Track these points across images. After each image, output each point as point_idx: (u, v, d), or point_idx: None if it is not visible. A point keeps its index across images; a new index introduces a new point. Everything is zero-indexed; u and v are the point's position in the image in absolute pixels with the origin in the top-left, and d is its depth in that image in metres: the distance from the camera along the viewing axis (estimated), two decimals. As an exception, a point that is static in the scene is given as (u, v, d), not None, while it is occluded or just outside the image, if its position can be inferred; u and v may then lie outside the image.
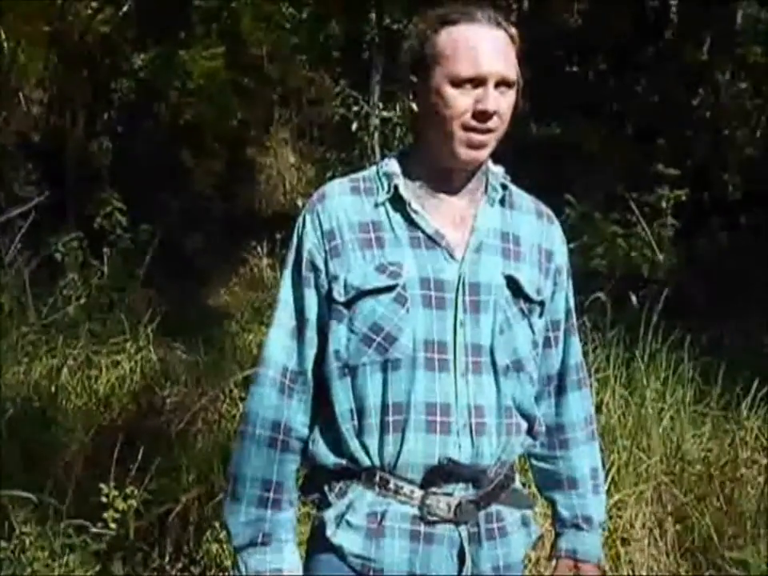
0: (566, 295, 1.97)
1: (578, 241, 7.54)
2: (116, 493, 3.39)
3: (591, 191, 8.58)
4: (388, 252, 1.78)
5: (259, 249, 8.38)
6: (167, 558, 3.48)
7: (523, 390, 1.84)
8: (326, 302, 1.80)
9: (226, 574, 3.43)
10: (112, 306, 6.23)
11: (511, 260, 1.84)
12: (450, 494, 1.77)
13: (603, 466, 3.74)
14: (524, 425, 1.85)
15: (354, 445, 1.77)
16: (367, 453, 1.76)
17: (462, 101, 1.73)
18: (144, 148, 9.05)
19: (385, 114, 7.82)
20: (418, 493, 1.76)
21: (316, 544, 1.84)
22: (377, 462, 1.76)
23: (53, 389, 4.83)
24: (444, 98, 1.74)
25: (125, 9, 8.66)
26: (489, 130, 1.75)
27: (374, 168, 1.89)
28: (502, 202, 1.88)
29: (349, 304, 1.77)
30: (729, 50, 11.39)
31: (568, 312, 1.99)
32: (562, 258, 1.95)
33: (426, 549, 1.77)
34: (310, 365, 1.82)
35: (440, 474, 1.75)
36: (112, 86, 9.05)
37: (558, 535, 2.04)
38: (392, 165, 1.86)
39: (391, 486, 1.77)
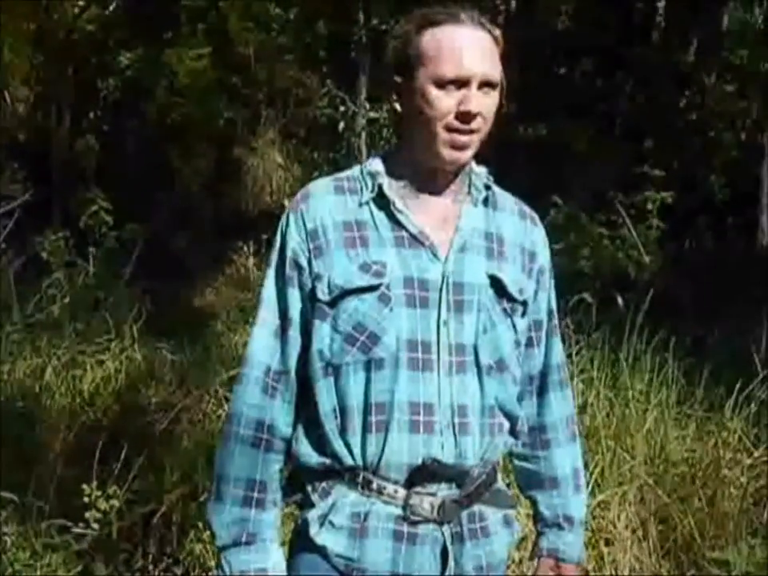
0: (548, 296, 1.98)
1: (565, 242, 7.57)
2: (98, 493, 3.38)
3: (578, 192, 8.61)
4: (372, 251, 1.78)
5: (246, 248, 8.37)
6: (150, 559, 3.47)
7: (506, 389, 1.84)
8: (310, 301, 1.80)
9: (210, 574, 3.42)
10: (97, 305, 6.21)
11: (495, 260, 1.84)
12: (433, 494, 1.77)
13: (587, 466, 3.79)
14: (506, 424, 1.86)
15: (337, 444, 1.77)
16: (350, 452, 1.76)
17: (445, 102, 1.74)
18: (130, 147, 9.05)
19: (372, 114, 7.82)
20: (402, 493, 1.76)
21: (299, 544, 1.84)
22: (360, 462, 1.76)
23: (37, 388, 4.81)
24: (427, 98, 1.74)
25: (111, 7, 8.64)
26: (472, 131, 1.76)
27: (358, 168, 1.89)
28: (486, 202, 1.88)
29: (332, 303, 1.77)
30: (715, 52, 11.45)
31: (550, 312, 2.00)
32: (544, 258, 1.95)
33: (410, 549, 1.77)
34: (293, 364, 1.82)
35: (423, 473, 1.75)
36: (98, 85, 9.03)
37: (539, 535, 2.04)
38: (376, 164, 1.86)
39: (374, 486, 1.77)
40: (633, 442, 4.07)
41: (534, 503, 2.05)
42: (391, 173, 1.84)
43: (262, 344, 1.84)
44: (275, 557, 1.82)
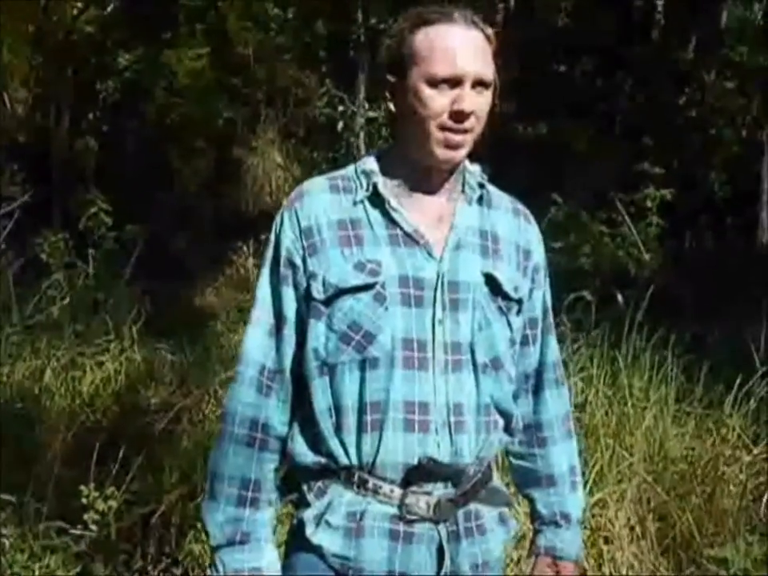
0: (543, 293, 1.98)
1: (565, 240, 7.58)
2: (96, 494, 3.38)
3: (578, 191, 8.61)
4: (367, 250, 1.78)
5: (245, 249, 8.37)
6: (149, 559, 3.47)
7: (501, 387, 1.84)
8: (305, 300, 1.80)
9: (206, 574, 3.42)
10: (97, 306, 6.21)
11: (490, 258, 1.84)
12: (429, 493, 1.77)
13: (586, 464, 3.79)
14: (501, 422, 1.86)
15: (332, 443, 1.77)
16: (346, 452, 1.76)
17: (438, 101, 1.73)
18: (130, 148, 9.05)
19: (370, 113, 7.82)
20: (397, 492, 1.76)
21: (295, 543, 1.84)
22: (355, 462, 1.76)
23: (37, 390, 4.81)
24: (421, 98, 1.74)
25: (110, 8, 8.64)
26: (465, 131, 1.76)
27: (352, 166, 1.89)
28: (480, 200, 1.88)
29: (327, 302, 1.77)
30: (715, 49, 11.43)
31: (545, 310, 2.00)
32: (539, 256, 1.95)
33: (406, 548, 1.77)
34: (288, 363, 1.82)
35: (419, 472, 1.75)
36: (97, 86, 9.02)
37: (536, 533, 2.04)
38: (370, 163, 1.86)
39: (370, 485, 1.76)
40: (632, 439, 4.07)
41: (531, 501, 2.06)
42: (386, 171, 1.84)
43: (256, 343, 1.84)
44: (269, 556, 1.82)
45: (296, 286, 1.81)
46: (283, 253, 1.82)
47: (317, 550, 1.79)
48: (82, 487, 3.40)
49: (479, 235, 1.85)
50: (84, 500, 3.37)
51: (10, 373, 4.95)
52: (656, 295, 5.22)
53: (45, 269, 6.54)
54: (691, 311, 6.53)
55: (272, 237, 1.86)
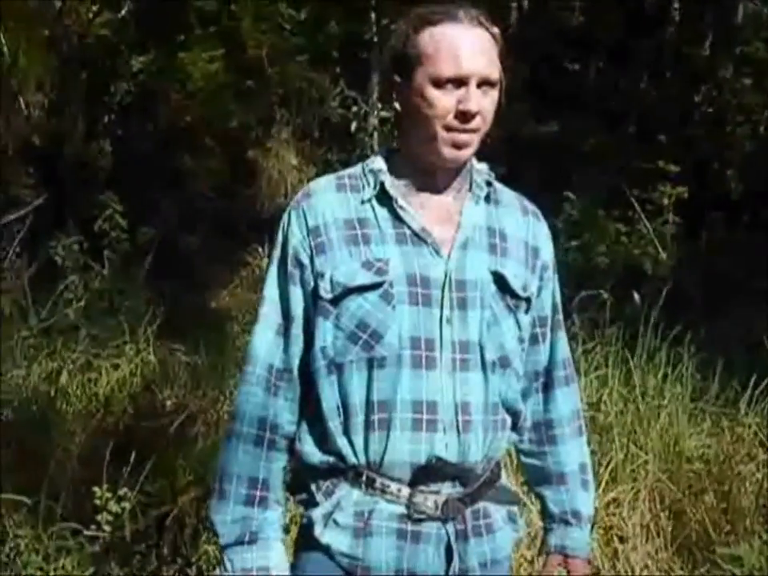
0: (552, 291, 1.98)
1: (580, 238, 7.56)
2: (109, 495, 3.39)
3: (593, 188, 8.58)
4: (374, 249, 1.78)
5: (260, 250, 8.37)
6: (164, 560, 3.48)
7: (510, 385, 1.84)
8: (312, 299, 1.80)
9: (217, 574, 3.42)
10: (112, 308, 6.23)
11: (498, 256, 1.84)
12: (437, 492, 1.77)
13: (600, 462, 3.78)
14: (509, 421, 1.86)
15: (340, 442, 1.77)
16: (353, 451, 1.76)
17: (444, 101, 1.73)
18: (144, 150, 9.06)
19: (383, 113, 7.82)
20: (405, 491, 1.76)
21: (304, 543, 1.85)
22: (363, 461, 1.76)
23: (52, 392, 4.83)
24: (426, 98, 1.74)
25: (123, 11, 8.67)
26: (472, 130, 1.75)
27: (359, 165, 1.89)
28: (487, 198, 1.88)
29: (335, 301, 1.77)
30: (730, 45, 11.36)
31: (555, 308, 1.99)
32: (548, 254, 1.95)
33: (413, 547, 1.77)
34: (295, 362, 1.82)
35: (427, 472, 1.75)
36: (111, 89, 9.06)
37: (547, 531, 2.04)
38: (378, 162, 1.86)
39: (378, 484, 1.76)
40: (647, 438, 4.06)
41: (541, 499, 2.06)
42: (393, 170, 1.84)
43: (264, 342, 1.85)
44: (278, 555, 1.83)
45: (303, 285, 1.81)
46: (291, 252, 1.82)
47: (325, 550, 1.79)
48: (96, 488, 3.42)
49: (487, 233, 1.85)
50: (97, 501, 3.38)
51: (26, 375, 4.97)
52: (671, 293, 5.20)
53: (60, 272, 6.56)
54: (707, 309, 6.49)
55: (279, 236, 1.86)
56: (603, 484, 3.71)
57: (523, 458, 2.05)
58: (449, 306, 1.77)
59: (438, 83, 1.73)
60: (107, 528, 3.33)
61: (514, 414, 1.86)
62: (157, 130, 9.29)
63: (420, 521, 1.76)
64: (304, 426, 1.83)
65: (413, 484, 1.76)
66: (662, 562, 3.49)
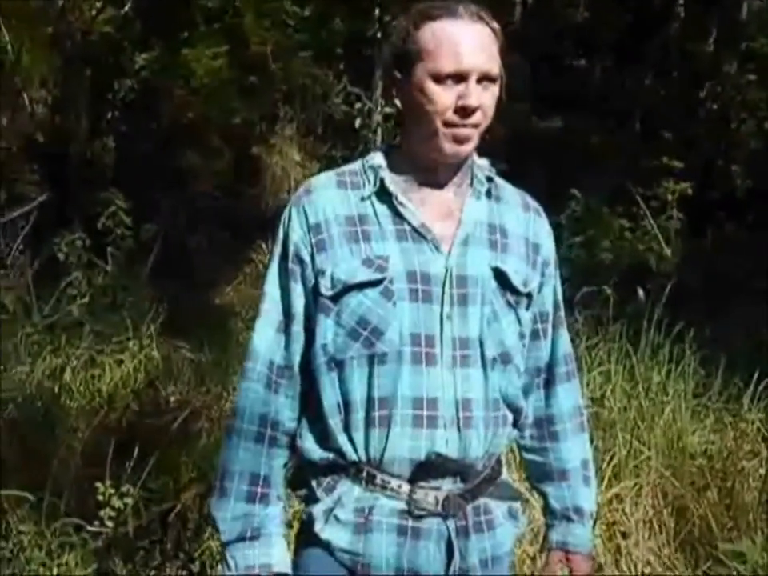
0: (554, 287, 1.97)
1: (585, 235, 7.55)
2: (112, 491, 3.39)
3: (597, 185, 8.58)
4: (374, 245, 1.78)
5: (264, 246, 8.37)
6: (167, 556, 3.48)
7: (510, 382, 1.84)
8: (313, 295, 1.80)
9: (219, 572, 3.43)
10: (115, 305, 6.23)
11: (498, 252, 1.84)
12: (437, 488, 1.77)
13: (603, 458, 3.77)
14: (510, 417, 1.85)
15: (341, 439, 1.77)
16: (354, 447, 1.76)
17: (444, 97, 1.73)
18: (148, 147, 9.07)
19: (387, 110, 7.80)
20: (406, 487, 1.76)
21: (305, 539, 1.85)
22: (363, 457, 1.76)
23: (56, 388, 4.83)
24: (426, 94, 1.74)
25: (127, 8, 8.66)
26: (472, 125, 1.75)
27: (359, 162, 1.89)
28: (488, 194, 1.87)
29: (335, 298, 1.77)
30: (735, 41, 11.34)
31: (556, 304, 1.99)
32: (549, 250, 1.95)
33: (414, 543, 1.77)
34: (296, 359, 1.83)
35: (427, 468, 1.75)
36: (115, 86, 9.06)
37: (549, 527, 2.04)
38: (378, 158, 1.85)
39: (378, 480, 1.77)
40: (650, 434, 4.05)
41: (543, 496, 2.06)
42: (393, 167, 1.84)
43: (265, 339, 1.85)
44: (280, 552, 1.83)
45: (304, 282, 1.81)
46: (291, 248, 1.82)
47: (325, 546, 1.80)
48: (99, 484, 3.42)
49: (488, 229, 1.85)
50: (100, 497, 3.39)
51: (29, 371, 4.97)
52: (675, 289, 5.20)
53: (63, 268, 6.56)
54: (710, 305, 6.49)
55: (280, 232, 1.86)
56: (606, 480, 3.71)
57: (525, 455, 2.05)
58: (449, 302, 1.77)
59: (438, 79, 1.73)
60: (110, 524, 3.34)
61: (516, 411, 1.86)
62: (160, 127, 9.29)
63: (420, 517, 1.76)
64: (305, 423, 1.83)
65: (413, 480, 1.76)
66: (665, 557, 3.49)
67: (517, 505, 1.92)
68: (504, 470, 1.91)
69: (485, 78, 1.74)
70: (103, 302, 6.21)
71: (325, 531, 1.79)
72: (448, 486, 1.78)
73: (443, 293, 1.77)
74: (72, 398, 4.80)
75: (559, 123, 10.88)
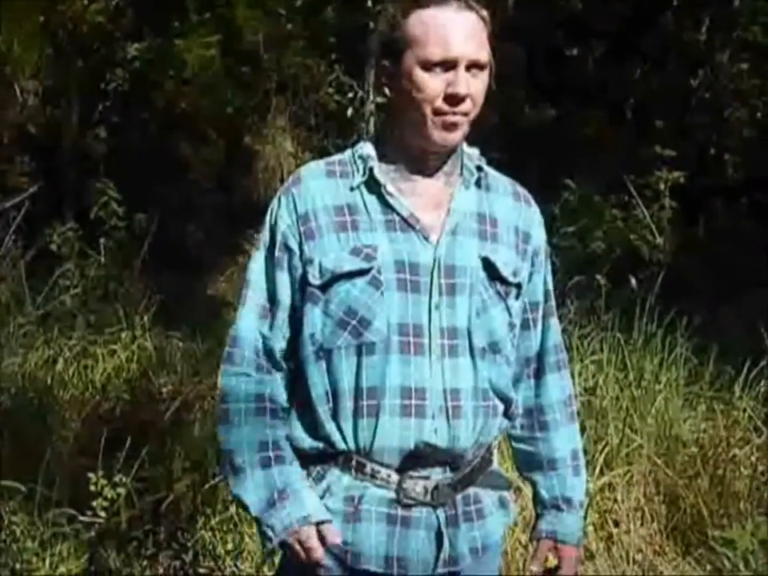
0: (544, 277, 1.97)
1: (578, 224, 7.54)
2: (105, 481, 3.39)
3: (590, 174, 8.57)
4: (363, 235, 1.78)
5: (257, 236, 8.34)
6: (160, 546, 3.48)
7: (500, 372, 1.84)
8: (301, 285, 1.80)
9: (219, 562, 3.44)
10: (108, 295, 6.22)
11: (488, 242, 1.84)
12: (426, 478, 1.77)
13: (595, 446, 3.78)
14: (500, 407, 1.85)
15: (330, 428, 1.77)
16: (343, 437, 1.77)
17: (433, 84, 1.73)
18: (140, 138, 9.04)
19: (380, 99, 7.77)
20: (395, 476, 1.77)
21: (294, 528, 1.84)
22: (352, 446, 1.76)
23: (49, 379, 4.82)
24: (415, 81, 1.73)
25: (118, -3, 8.64)
26: (462, 113, 1.75)
27: (349, 151, 1.89)
28: (478, 183, 1.87)
29: (324, 287, 1.77)
30: (728, 30, 11.33)
31: (546, 293, 1.99)
32: (539, 239, 1.94)
33: (403, 532, 1.77)
34: (282, 346, 1.82)
35: (416, 457, 1.75)
36: (107, 77, 9.01)
37: (538, 516, 2.04)
38: (367, 148, 1.85)
39: (367, 469, 1.77)
40: (642, 422, 4.07)
41: (533, 485, 2.05)
42: (382, 156, 1.83)
43: (249, 325, 1.83)
44: (313, 502, 1.77)
45: (291, 271, 1.81)
46: (279, 237, 1.82)
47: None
48: (91, 475, 3.42)
49: (477, 219, 1.85)
50: (93, 487, 3.39)
51: (22, 362, 4.96)
52: (668, 278, 5.21)
53: (56, 259, 6.55)
54: (703, 294, 6.50)
55: (268, 220, 1.86)
56: (598, 468, 3.72)
57: (514, 444, 2.04)
58: (437, 292, 1.77)
59: (427, 66, 1.72)
60: (103, 514, 3.34)
61: (505, 401, 1.86)
62: (153, 117, 9.25)
63: (410, 506, 1.77)
64: (293, 413, 1.83)
65: (402, 469, 1.76)
66: (656, 545, 3.50)
67: (507, 494, 1.92)
68: (495, 459, 1.91)
69: (474, 66, 1.74)
70: (96, 293, 6.19)
71: (315, 520, 1.78)
72: (437, 475, 1.78)
73: (431, 283, 1.77)
74: (65, 388, 4.79)
75: (553, 112, 10.85)
